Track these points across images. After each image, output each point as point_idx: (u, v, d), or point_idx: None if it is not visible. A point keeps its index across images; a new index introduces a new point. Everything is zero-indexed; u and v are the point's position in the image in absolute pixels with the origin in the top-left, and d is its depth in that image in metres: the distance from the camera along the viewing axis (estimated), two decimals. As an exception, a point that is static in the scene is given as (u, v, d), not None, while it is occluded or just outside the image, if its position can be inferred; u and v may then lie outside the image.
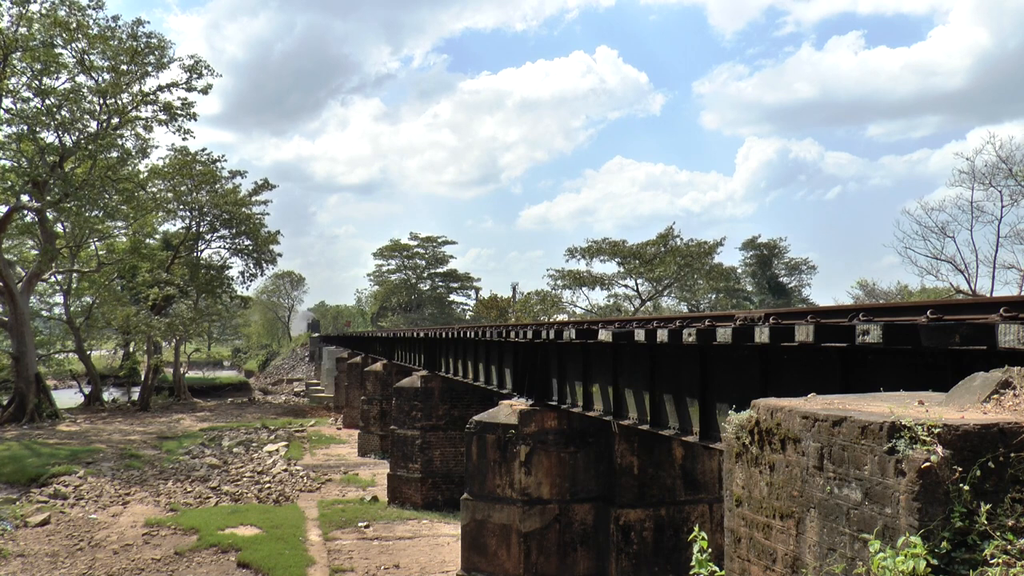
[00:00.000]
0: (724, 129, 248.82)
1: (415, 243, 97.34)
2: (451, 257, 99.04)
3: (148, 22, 55.96)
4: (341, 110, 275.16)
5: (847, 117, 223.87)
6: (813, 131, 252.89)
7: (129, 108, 43.79)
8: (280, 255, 60.52)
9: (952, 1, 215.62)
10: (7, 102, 40.33)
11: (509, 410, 14.93)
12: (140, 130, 44.85)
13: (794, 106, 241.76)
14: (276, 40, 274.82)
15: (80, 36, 40.75)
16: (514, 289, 73.94)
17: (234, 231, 56.64)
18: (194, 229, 55.31)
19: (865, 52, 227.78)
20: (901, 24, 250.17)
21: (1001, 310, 5.73)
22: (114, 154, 43.31)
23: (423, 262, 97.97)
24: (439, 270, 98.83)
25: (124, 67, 42.29)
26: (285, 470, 28.21)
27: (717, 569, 4.82)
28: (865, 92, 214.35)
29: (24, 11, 39.17)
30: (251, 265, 58.74)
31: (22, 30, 39.19)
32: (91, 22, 41.13)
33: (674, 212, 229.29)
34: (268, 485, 26.05)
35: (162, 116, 44.74)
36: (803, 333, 7.00)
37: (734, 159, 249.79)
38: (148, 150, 46.01)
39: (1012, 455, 3.82)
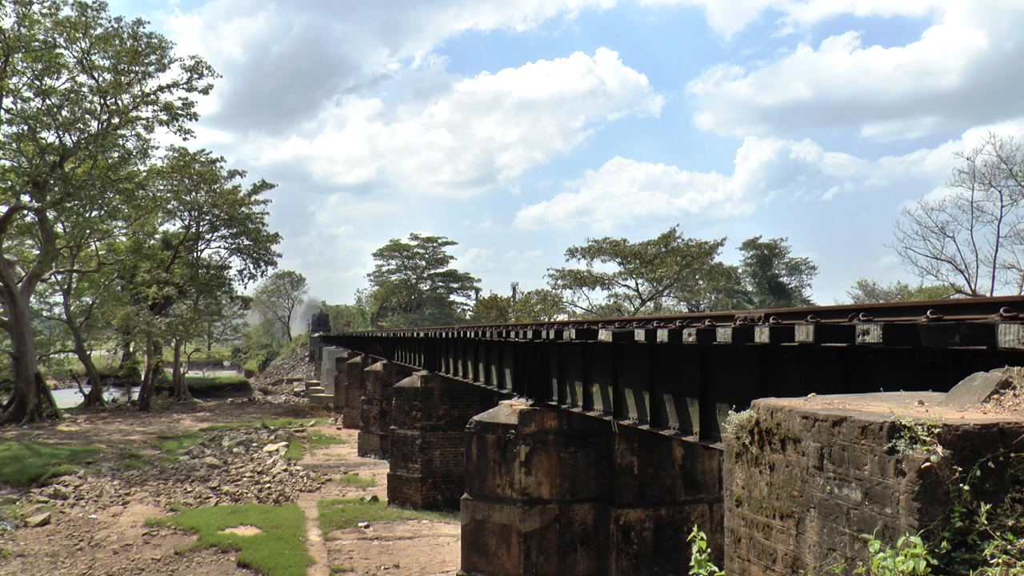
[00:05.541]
0: (719, 130, 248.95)
1: (415, 243, 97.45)
2: (451, 258, 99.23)
3: (148, 22, 55.97)
4: (339, 110, 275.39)
5: (841, 118, 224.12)
6: (809, 132, 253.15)
7: (130, 108, 43.81)
8: (280, 255, 60.67)
9: (948, 1, 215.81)
10: (8, 102, 40.38)
11: (509, 410, 14.93)
12: (141, 130, 44.94)
13: (789, 107, 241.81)
14: (273, 41, 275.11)
15: (82, 36, 40.82)
16: (514, 289, 73.99)
17: (234, 231, 56.70)
18: (194, 229, 55.35)
19: (860, 52, 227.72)
20: (899, 25, 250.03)
21: (1001, 310, 5.73)
22: (115, 154, 43.34)
23: (423, 262, 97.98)
24: (439, 270, 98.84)
25: (125, 67, 42.31)
26: (285, 470, 28.20)
27: (717, 569, 4.82)
28: (859, 93, 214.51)
29: (27, 11, 39.22)
30: (250, 265, 58.82)
31: (23, 30, 39.22)
32: (95, 22, 41.21)
33: (672, 212, 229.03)
34: (268, 485, 26.04)
35: (163, 116, 44.79)
36: (803, 333, 7.00)
37: (733, 160, 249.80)
38: (149, 151, 46.12)
39: (1012, 455, 3.82)
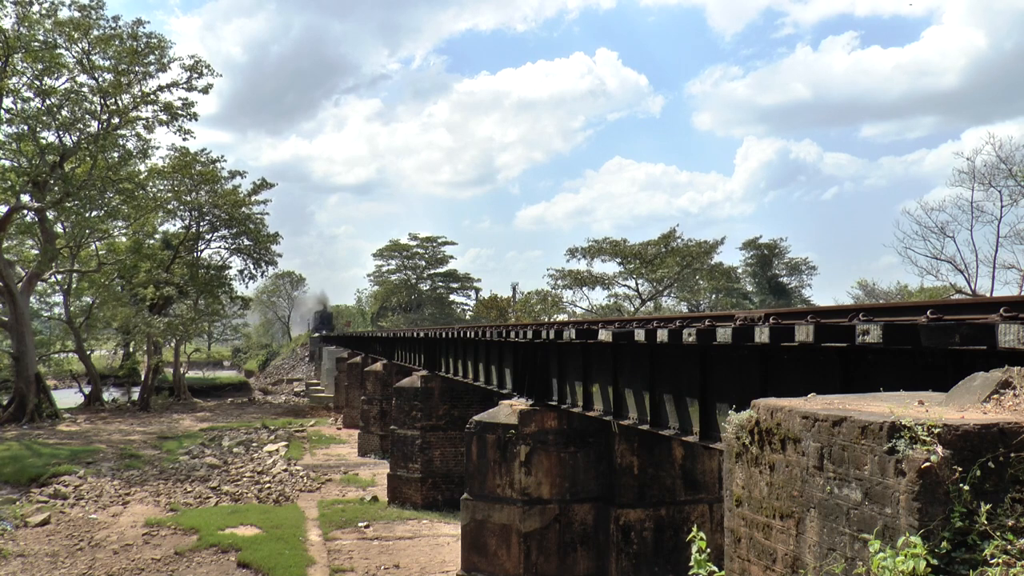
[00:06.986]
0: (718, 130, 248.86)
1: (415, 243, 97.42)
2: (451, 257, 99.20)
3: (148, 22, 55.97)
4: (338, 110, 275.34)
5: (841, 118, 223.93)
6: (808, 132, 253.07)
7: (130, 108, 43.80)
8: (280, 256, 60.63)
9: (947, 2, 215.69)
10: (8, 102, 40.37)
11: (509, 410, 14.92)
12: (141, 130, 44.93)
13: (789, 107, 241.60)
14: (273, 41, 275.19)
15: (82, 37, 40.83)
16: (514, 289, 73.98)
17: (234, 231, 56.69)
18: (194, 229, 55.33)
19: (859, 52, 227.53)
20: (898, 25, 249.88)
21: (1001, 310, 5.73)
22: (115, 154, 43.34)
23: (423, 262, 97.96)
24: (439, 270, 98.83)
25: (125, 67, 42.32)
26: (285, 470, 28.20)
27: (717, 569, 4.81)
28: (858, 93, 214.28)
29: (27, 11, 39.23)
30: (251, 265, 58.80)
31: (23, 30, 39.23)
32: (94, 22, 41.22)
33: (672, 212, 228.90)
34: (268, 485, 26.04)
35: (163, 116, 44.79)
36: (803, 333, 7.00)
37: (733, 160, 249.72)
38: (149, 151, 46.10)
39: (1012, 455, 3.82)
